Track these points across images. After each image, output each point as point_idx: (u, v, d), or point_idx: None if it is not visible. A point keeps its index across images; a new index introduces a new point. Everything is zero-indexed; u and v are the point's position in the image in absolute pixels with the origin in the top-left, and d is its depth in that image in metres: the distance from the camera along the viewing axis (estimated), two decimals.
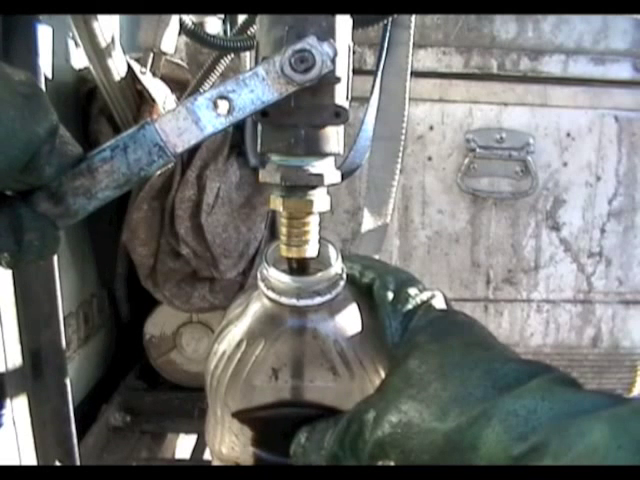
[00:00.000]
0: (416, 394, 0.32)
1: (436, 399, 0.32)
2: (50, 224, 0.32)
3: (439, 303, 0.39)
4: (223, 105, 0.33)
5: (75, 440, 0.75)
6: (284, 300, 0.37)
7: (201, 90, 0.93)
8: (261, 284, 0.38)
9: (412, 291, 0.38)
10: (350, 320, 0.38)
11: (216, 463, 0.43)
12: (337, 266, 0.38)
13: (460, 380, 0.32)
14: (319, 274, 0.38)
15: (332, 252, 0.39)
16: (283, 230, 0.38)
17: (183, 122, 0.33)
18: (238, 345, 0.38)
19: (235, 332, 0.39)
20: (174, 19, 0.91)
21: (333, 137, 0.36)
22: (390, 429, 0.32)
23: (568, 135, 1.11)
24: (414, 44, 0.68)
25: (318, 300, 0.37)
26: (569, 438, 0.26)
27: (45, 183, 0.31)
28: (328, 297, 0.37)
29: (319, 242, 0.39)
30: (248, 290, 0.42)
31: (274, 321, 0.38)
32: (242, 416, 0.39)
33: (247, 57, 0.98)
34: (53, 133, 0.30)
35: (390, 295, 0.38)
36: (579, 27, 1.07)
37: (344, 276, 0.39)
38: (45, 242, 0.32)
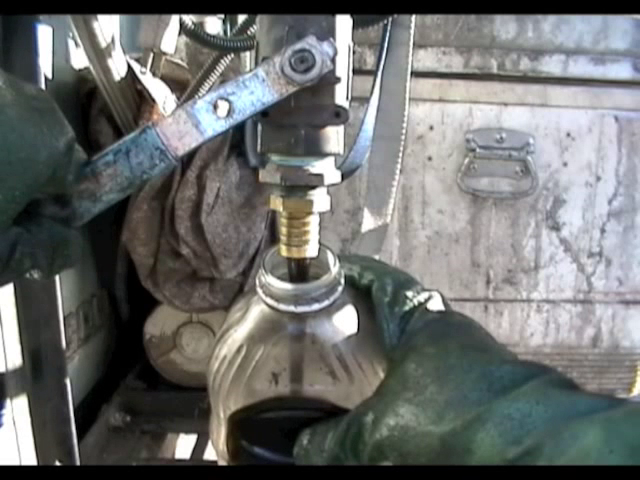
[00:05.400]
0: (413, 397, 0.33)
1: (432, 402, 0.32)
2: (78, 234, 0.33)
3: (437, 304, 0.39)
4: (223, 107, 0.33)
5: (75, 440, 0.75)
6: (282, 307, 0.37)
7: (201, 91, 0.93)
8: (259, 290, 0.38)
9: (409, 293, 0.38)
10: (348, 324, 0.39)
11: (221, 462, 0.43)
12: (335, 272, 0.38)
13: (456, 383, 0.32)
14: (317, 281, 0.38)
15: (330, 257, 0.40)
16: (283, 230, 0.38)
17: (184, 126, 0.33)
18: (238, 350, 0.38)
19: (235, 337, 0.39)
20: (174, 19, 0.91)
21: (333, 137, 0.36)
22: (388, 432, 0.32)
23: (568, 135, 1.11)
24: (414, 44, 0.68)
25: (316, 307, 0.37)
26: (563, 442, 0.27)
27: (67, 191, 0.32)
28: (326, 303, 0.37)
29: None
30: (248, 293, 0.42)
31: (273, 326, 0.38)
32: (243, 418, 0.39)
33: (247, 57, 0.98)
34: (71, 146, 0.31)
35: (388, 297, 0.38)
36: (579, 27, 1.07)
37: (342, 281, 0.39)
38: (72, 251, 0.33)
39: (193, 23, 0.83)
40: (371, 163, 0.72)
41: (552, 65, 1.08)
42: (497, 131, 1.10)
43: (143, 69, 0.96)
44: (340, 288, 0.38)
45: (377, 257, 0.75)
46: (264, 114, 0.34)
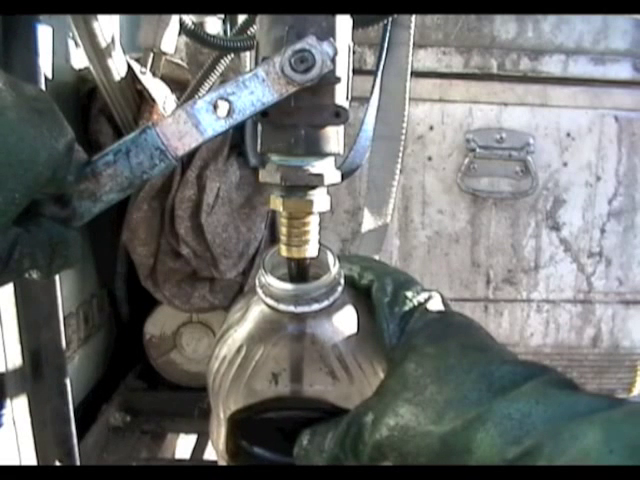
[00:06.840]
0: (412, 397, 0.33)
1: (432, 402, 0.32)
2: (77, 234, 0.33)
3: (437, 304, 0.39)
4: (223, 108, 0.33)
5: (75, 440, 0.75)
6: (282, 307, 0.37)
7: (201, 91, 0.93)
8: (259, 290, 0.38)
9: (409, 293, 0.38)
10: (348, 324, 0.39)
11: (221, 462, 0.43)
12: (335, 272, 0.38)
13: (455, 383, 0.32)
14: (317, 281, 0.38)
15: (330, 257, 0.40)
16: (283, 230, 0.38)
17: (183, 126, 0.33)
18: (238, 350, 0.38)
19: (235, 337, 0.39)
20: (174, 19, 0.91)
21: (333, 137, 0.36)
22: (387, 432, 0.32)
23: (568, 135, 1.11)
24: (414, 44, 0.69)
25: (316, 307, 0.37)
26: (563, 442, 0.27)
27: (67, 191, 0.32)
28: (326, 304, 0.37)
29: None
30: (248, 293, 0.42)
31: (273, 327, 0.38)
32: (244, 418, 0.39)
33: (247, 57, 0.98)
34: (71, 147, 0.31)
35: (388, 297, 0.38)
36: (579, 27, 1.07)
37: (342, 281, 0.39)
38: (71, 251, 0.33)
39: (193, 23, 0.83)
40: (371, 163, 0.72)
41: (552, 65, 1.08)
42: (497, 131, 1.10)
43: (143, 69, 0.96)
44: (340, 288, 0.38)
45: (377, 257, 0.75)
46: (264, 114, 0.34)
